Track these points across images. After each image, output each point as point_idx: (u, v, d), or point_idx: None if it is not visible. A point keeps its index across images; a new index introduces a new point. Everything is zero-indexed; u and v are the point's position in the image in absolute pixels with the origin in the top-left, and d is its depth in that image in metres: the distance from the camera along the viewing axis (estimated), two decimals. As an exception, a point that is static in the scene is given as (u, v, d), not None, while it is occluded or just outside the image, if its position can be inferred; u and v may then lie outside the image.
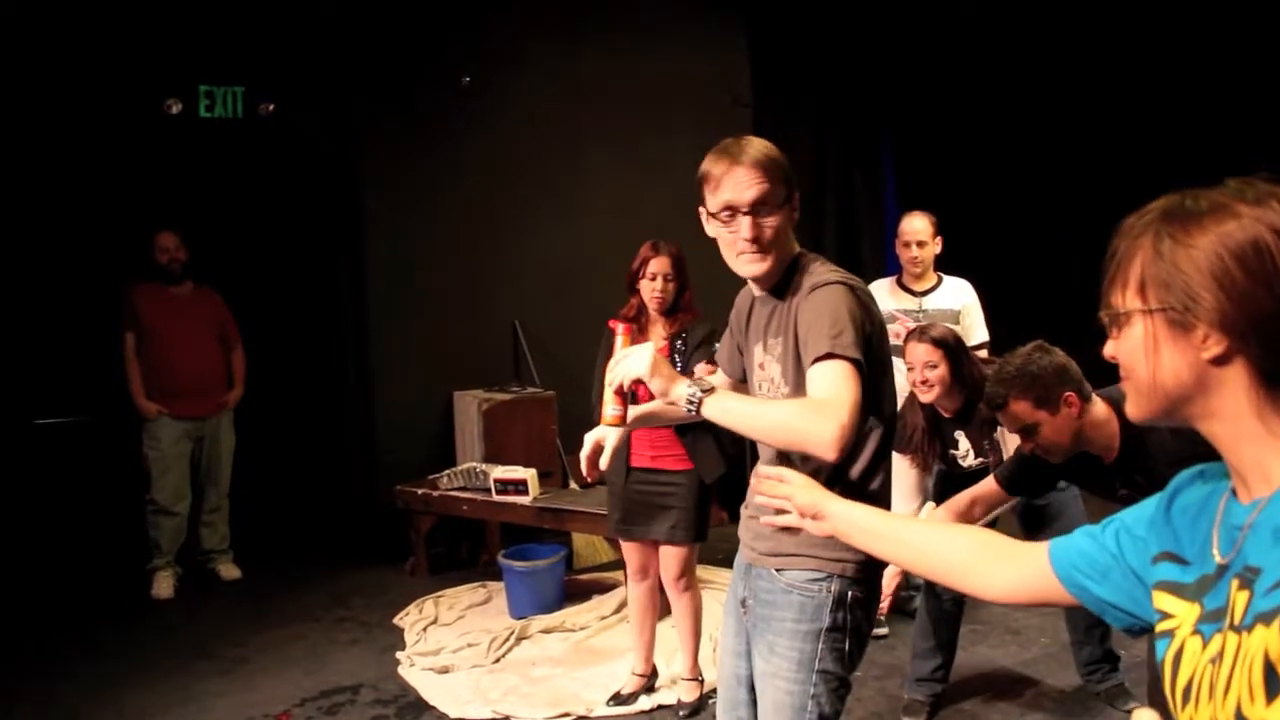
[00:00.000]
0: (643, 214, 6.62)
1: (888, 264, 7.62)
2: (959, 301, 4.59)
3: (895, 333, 4.13)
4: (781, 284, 2.21)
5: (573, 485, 6.28)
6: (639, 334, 3.83)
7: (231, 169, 6.17)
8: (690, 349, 3.77)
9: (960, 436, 3.62)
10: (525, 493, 5.34)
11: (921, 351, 3.46)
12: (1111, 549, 1.29)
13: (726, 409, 2.01)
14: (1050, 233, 8.16)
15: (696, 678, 4.09)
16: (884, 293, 4.58)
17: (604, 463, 2.35)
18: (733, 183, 2.11)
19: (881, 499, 2.24)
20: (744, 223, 2.12)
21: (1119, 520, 1.30)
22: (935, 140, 8.24)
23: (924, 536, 1.57)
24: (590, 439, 2.40)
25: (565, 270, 6.47)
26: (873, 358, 2.05)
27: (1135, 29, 7.32)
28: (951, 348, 3.46)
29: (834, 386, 1.94)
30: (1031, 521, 3.77)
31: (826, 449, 1.89)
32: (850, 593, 2.18)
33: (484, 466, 5.63)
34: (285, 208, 6.33)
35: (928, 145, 8.27)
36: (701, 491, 3.85)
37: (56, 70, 5.20)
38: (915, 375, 3.48)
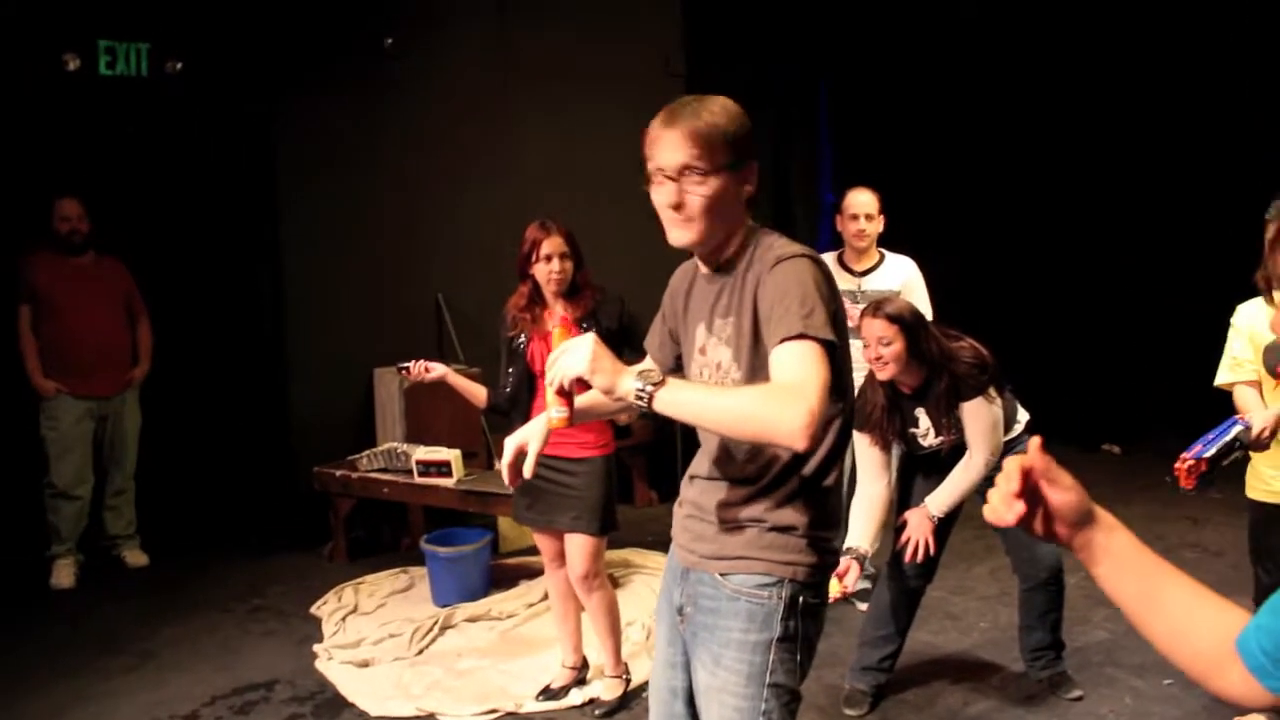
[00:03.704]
0: (572, 183, 6.41)
1: (820, 240, 7.51)
2: (899, 279, 4.46)
3: None
4: (732, 260, 2.03)
5: (497, 467, 6.07)
6: (534, 324, 3.66)
7: (136, 131, 5.79)
8: (606, 328, 3.56)
9: (920, 414, 3.48)
10: (449, 475, 5.18)
11: (877, 327, 3.31)
12: None
13: (679, 401, 1.80)
14: (993, 205, 8.14)
15: (620, 675, 3.92)
16: (826, 272, 4.43)
17: (528, 470, 2.09)
18: (661, 146, 1.96)
19: (833, 495, 2.08)
20: (667, 188, 1.96)
21: None
22: (874, 116, 8.16)
23: (1185, 607, 1.23)
24: (512, 444, 2.14)
25: (491, 241, 6.19)
26: (838, 337, 1.89)
27: None
28: (908, 323, 3.32)
29: (803, 369, 1.77)
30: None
31: (794, 438, 1.70)
32: (802, 598, 2.02)
33: (405, 447, 5.43)
34: (195, 174, 5.97)
35: (866, 119, 8.18)
36: (605, 480, 3.69)
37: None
38: (870, 352, 3.33)
